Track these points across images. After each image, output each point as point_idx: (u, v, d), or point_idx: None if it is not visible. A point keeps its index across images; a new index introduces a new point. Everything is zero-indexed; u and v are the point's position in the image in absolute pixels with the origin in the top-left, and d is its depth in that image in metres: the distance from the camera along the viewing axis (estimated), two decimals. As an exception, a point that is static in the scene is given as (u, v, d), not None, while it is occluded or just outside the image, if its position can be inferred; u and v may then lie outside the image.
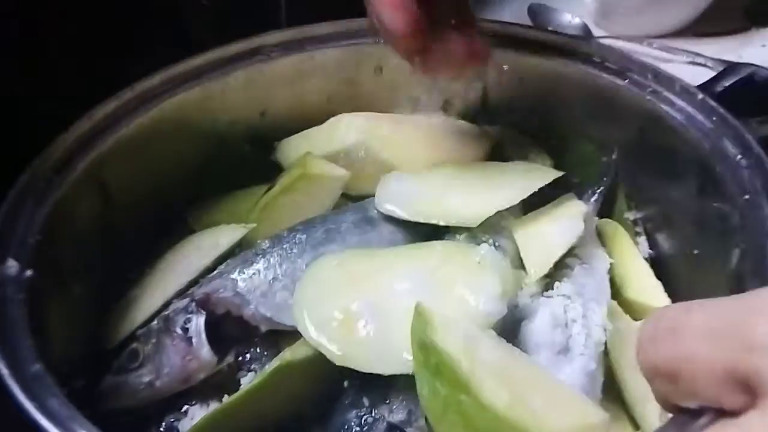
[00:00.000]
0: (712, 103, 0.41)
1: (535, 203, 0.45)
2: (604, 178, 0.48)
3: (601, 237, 0.46)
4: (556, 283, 0.40)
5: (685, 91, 0.43)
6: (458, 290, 0.36)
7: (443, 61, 0.40)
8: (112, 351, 0.40)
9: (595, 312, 0.39)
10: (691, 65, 0.69)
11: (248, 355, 0.40)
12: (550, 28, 0.73)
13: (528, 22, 0.76)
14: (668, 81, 0.44)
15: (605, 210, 0.48)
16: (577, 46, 0.48)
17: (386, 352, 0.35)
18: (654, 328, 0.27)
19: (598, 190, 0.48)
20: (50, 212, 0.40)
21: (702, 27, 0.74)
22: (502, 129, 0.53)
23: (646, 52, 0.71)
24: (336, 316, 0.36)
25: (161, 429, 0.38)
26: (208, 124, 0.50)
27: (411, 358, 0.34)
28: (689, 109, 0.42)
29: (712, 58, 0.68)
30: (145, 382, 0.38)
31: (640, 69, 0.45)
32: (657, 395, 0.27)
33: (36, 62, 0.49)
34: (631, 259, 0.43)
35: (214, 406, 0.38)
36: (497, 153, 0.52)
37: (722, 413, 0.25)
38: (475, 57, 0.41)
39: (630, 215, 0.48)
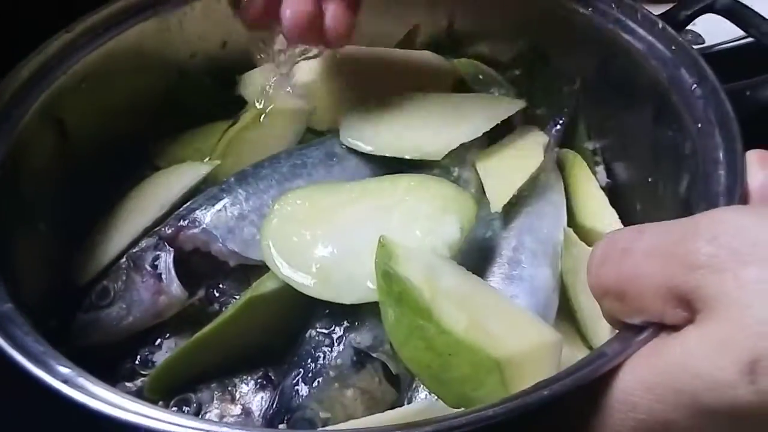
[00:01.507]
0: (672, 32, 0.42)
1: (500, 134, 0.46)
2: (566, 109, 0.49)
3: (560, 166, 0.47)
4: (516, 212, 0.41)
5: (646, 20, 0.43)
6: (421, 222, 0.37)
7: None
8: (82, 289, 0.41)
9: (551, 238, 0.41)
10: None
11: (218, 290, 0.41)
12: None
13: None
14: (630, 9, 0.44)
15: (566, 140, 0.49)
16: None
17: (351, 282, 0.36)
18: (607, 250, 0.28)
19: (560, 121, 0.48)
20: (9, 148, 0.39)
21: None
22: (467, 60, 0.53)
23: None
24: (302, 250, 0.37)
25: (136, 362, 0.39)
26: (167, 57, 0.49)
27: (375, 287, 0.35)
28: (649, 38, 0.42)
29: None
30: (117, 318, 0.39)
31: (604, -3, 0.45)
32: (606, 313, 0.29)
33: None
34: (588, 187, 0.45)
35: (186, 338, 0.40)
36: (461, 85, 0.52)
37: (664, 328, 0.27)
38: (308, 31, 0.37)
39: (589, 145, 0.49)
